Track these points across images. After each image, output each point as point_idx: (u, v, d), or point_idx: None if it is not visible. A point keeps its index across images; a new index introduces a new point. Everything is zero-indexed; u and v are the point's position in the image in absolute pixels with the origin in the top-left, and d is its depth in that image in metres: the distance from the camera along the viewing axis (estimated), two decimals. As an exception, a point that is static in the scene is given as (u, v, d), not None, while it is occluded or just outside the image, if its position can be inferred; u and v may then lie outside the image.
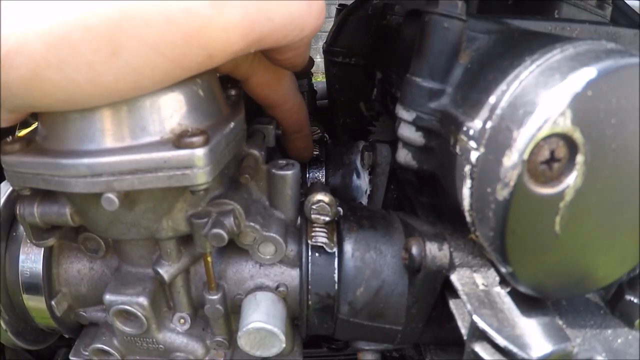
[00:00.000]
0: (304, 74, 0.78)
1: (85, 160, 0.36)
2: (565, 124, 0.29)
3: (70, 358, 0.53)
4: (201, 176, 0.37)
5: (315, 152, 0.65)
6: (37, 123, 0.44)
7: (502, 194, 0.30)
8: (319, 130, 0.68)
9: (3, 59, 0.31)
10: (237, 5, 0.33)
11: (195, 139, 0.36)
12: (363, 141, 0.67)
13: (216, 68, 0.44)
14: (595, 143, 0.30)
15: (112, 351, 0.50)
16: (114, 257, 0.51)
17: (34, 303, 0.52)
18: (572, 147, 0.30)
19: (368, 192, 0.63)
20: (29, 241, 0.51)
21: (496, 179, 0.30)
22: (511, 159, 0.30)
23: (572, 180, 0.30)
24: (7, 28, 0.31)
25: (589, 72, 0.29)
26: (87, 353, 0.52)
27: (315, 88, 0.87)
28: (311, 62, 0.69)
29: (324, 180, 0.65)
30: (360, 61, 0.76)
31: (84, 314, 0.53)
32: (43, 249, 0.50)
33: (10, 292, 0.52)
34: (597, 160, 0.30)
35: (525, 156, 0.29)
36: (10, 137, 0.42)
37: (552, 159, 0.30)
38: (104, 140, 0.37)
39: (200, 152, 0.36)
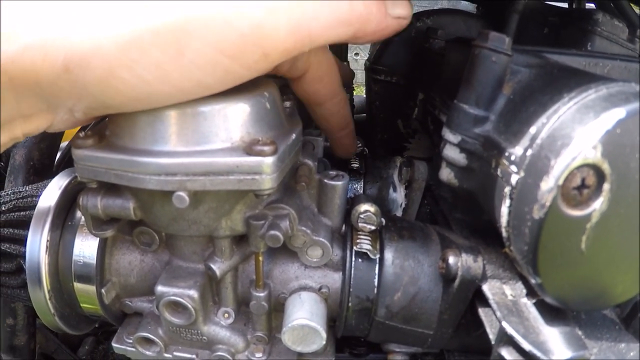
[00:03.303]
0: (345, 87, 0.86)
1: (162, 160, 0.43)
2: (595, 156, 0.35)
3: (113, 344, 0.60)
4: (268, 182, 0.44)
5: (355, 165, 0.73)
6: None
7: (538, 213, 0.37)
8: (360, 144, 0.75)
9: (80, 60, 0.37)
10: (285, 6, 0.40)
11: (266, 148, 0.43)
12: (400, 157, 0.74)
13: (276, 71, 0.50)
14: (621, 174, 0.36)
15: (156, 340, 0.57)
16: (165, 252, 0.57)
17: (84, 290, 0.59)
18: (600, 176, 0.36)
19: (403, 206, 0.70)
20: (84, 231, 0.58)
21: (533, 200, 0.37)
22: (548, 184, 0.36)
23: (598, 205, 0.36)
24: (83, 34, 0.37)
25: (619, 113, 0.35)
26: (130, 341, 0.59)
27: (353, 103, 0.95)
28: (352, 73, 0.76)
29: (361, 191, 0.72)
30: (401, 80, 0.84)
31: (129, 303, 0.60)
32: (98, 239, 0.57)
33: (61, 279, 0.59)
34: (621, 188, 0.36)
35: (560, 182, 0.35)
36: (83, 132, 0.48)
37: (583, 185, 0.36)
38: (177, 142, 0.44)
39: (269, 160, 0.43)
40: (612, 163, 0.35)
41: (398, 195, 0.72)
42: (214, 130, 0.44)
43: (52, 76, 0.37)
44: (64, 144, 0.85)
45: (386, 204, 0.72)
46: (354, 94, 1.16)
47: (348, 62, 1.10)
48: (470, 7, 1.15)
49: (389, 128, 0.88)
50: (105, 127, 0.48)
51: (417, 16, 0.83)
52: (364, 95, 0.95)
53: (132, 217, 0.50)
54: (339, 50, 1.08)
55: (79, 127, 0.51)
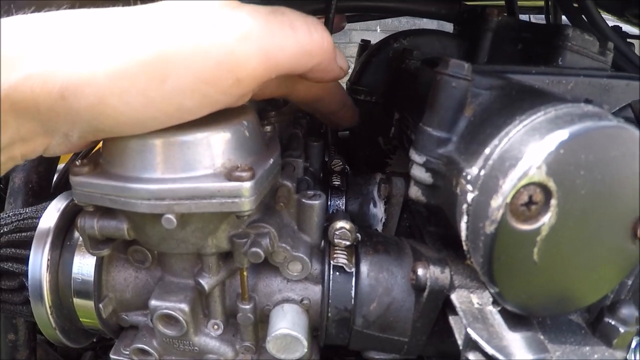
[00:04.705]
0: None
1: (151, 186, 0.47)
2: (541, 175, 0.38)
3: (111, 356, 0.64)
4: (247, 204, 0.48)
5: (337, 182, 0.77)
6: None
7: (490, 228, 0.40)
8: (340, 162, 0.79)
9: (75, 89, 0.41)
10: (255, 37, 0.44)
11: (244, 174, 0.47)
12: (380, 173, 0.78)
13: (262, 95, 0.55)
14: (567, 190, 0.39)
15: (151, 351, 0.61)
16: (157, 268, 0.61)
17: (83, 305, 0.63)
18: (547, 193, 0.39)
19: (383, 220, 0.74)
20: (82, 250, 0.62)
21: (485, 216, 0.40)
22: (497, 201, 0.39)
23: (547, 219, 0.40)
24: (78, 65, 0.41)
25: (562, 134, 0.38)
26: (127, 352, 0.63)
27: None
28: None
29: (343, 208, 0.76)
30: (380, 100, 0.88)
31: (125, 317, 0.64)
32: (95, 257, 0.62)
33: (61, 295, 0.63)
34: (568, 203, 0.40)
35: (508, 200, 0.39)
36: (79, 160, 0.52)
37: (530, 202, 0.39)
38: (164, 169, 0.48)
39: (247, 185, 0.47)
40: (558, 181, 0.39)
41: (378, 211, 0.75)
42: (198, 158, 0.49)
43: (49, 102, 0.42)
44: (60, 166, 0.90)
45: (367, 219, 0.76)
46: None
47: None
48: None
49: (371, 145, 0.93)
50: (99, 155, 0.53)
51: (394, 37, 0.88)
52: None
53: (126, 237, 0.54)
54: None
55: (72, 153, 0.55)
